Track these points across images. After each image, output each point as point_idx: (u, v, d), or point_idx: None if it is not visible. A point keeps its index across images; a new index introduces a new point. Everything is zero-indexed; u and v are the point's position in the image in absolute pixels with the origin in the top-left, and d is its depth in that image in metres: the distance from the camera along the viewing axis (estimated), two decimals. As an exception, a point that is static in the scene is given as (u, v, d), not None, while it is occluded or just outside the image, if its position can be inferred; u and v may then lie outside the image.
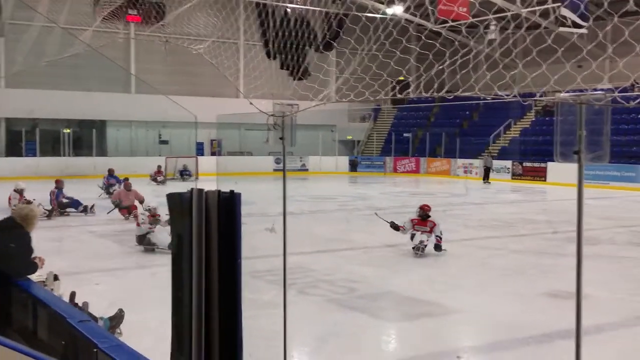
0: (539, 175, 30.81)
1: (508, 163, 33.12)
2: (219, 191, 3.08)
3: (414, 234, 11.39)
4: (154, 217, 11.38)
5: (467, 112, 41.31)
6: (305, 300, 8.18)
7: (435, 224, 11.37)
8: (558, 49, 4.00)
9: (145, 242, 11.40)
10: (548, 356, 6.13)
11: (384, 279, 9.50)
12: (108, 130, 35.80)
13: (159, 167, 28.23)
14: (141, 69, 34.26)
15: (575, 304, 3.37)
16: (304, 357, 6.19)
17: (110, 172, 22.15)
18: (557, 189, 26.09)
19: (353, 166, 39.17)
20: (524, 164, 32.13)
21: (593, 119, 2.94)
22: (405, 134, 40.21)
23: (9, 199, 15.31)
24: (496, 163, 34.04)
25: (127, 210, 15.44)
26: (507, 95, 4.10)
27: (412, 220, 11.48)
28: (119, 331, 6.05)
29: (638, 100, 3.12)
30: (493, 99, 3.72)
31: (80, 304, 5.99)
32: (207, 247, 3.17)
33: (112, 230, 14.21)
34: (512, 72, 4.49)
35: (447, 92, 4.91)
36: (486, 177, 31.18)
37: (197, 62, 35.34)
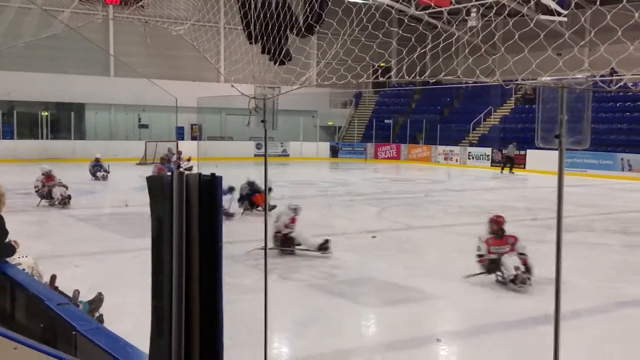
0: (519, 162, 31.04)
1: (488, 150, 33.34)
2: (200, 174, 3.04)
3: (494, 261, 8.39)
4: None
5: (448, 99, 41.43)
6: (286, 285, 8.18)
7: (516, 239, 8.68)
8: (540, 33, 4.00)
9: (288, 243, 10.13)
10: (527, 341, 6.20)
11: (364, 265, 9.53)
12: (86, 113, 35.39)
13: (179, 152, 27.32)
14: (120, 52, 33.87)
15: (554, 289, 3.39)
16: (285, 342, 6.20)
17: (97, 160, 22.06)
18: (537, 176, 26.33)
19: (334, 152, 39.18)
20: (504, 151, 32.35)
21: (573, 105, 2.94)
22: (386, 121, 40.29)
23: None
24: (476, 150, 34.25)
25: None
26: (488, 80, 4.09)
27: (485, 242, 8.64)
28: (98, 314, 6.01)
29: (618, 85, 3.13)
30: (474, 83, 3.73)
31: (60, 288, 5.93)
32: (187, 231, 3.13)
33: (94, 214, 14.10)
34: (493, 57, 4.48)
35: (428, 76, 4.89)
36: (510, 167, 29.56)
37: (177, 45, 35.00)
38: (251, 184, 14.27)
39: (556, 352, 3.38)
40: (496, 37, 4.68)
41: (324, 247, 9.86)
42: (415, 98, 43.50)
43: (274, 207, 13.61)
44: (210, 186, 3.03)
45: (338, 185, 22.74)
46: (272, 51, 5.64)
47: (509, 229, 12.63)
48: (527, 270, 8.04)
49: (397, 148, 38.69)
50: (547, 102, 3.07)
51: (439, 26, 5.80)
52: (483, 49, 4.57)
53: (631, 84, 33.32)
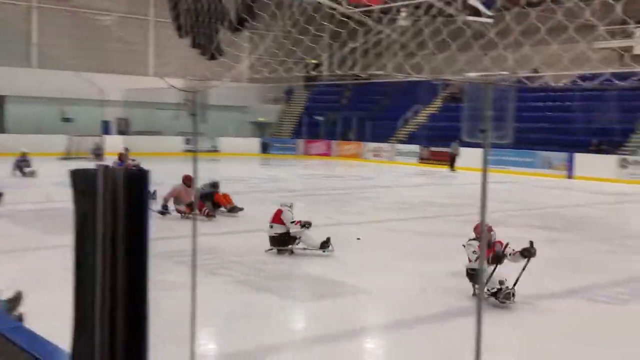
0: (445, 159, 31.79)
1: (416, 147, 33.99)
2: (127, 168, 2.99)
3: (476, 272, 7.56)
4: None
5: (378, 97, 42.01)
6: (215, 281, 8.12)
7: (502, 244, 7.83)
8: (467, 33, 4.11)
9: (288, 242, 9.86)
10: (449, 333, 6.38)
11: (294, 261, 9.56)
12: (8, 106, 33.98)
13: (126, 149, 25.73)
14: (44, 43, 32.69)
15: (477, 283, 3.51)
16: (213, 338, 6.16)
17: (24, 154, 21.10)
18: (462, 173, 27.05)
19: (264, 148, 39.07)
20: (431, 149, 33.07)
21: (498, 101, 3.06)
22: (317, 117, 40.47)
23: None
24: (404, 147, 34.87)
25: (190, 208, 13.14)
26: (418, 76, 4.19)
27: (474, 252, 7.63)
28: (17, 313, 5.80)
29: (540, 82, 3.28)
30: (405, 78, 3.81)
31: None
32: (113, 226, 3.06)
33: (15, 210, 13.57)
34: (423, 53, 4.58)
35: (359, 72, 4.98)
36: (452, 165, 29.84)
37: (105, 37, 34.07)
38: (214, 184, 13.78)
39: (478, 344, 3.50)
40: (423, 37, 4.78)
41: (325, 245, 9.73)
42: (346, 95, 43.88)
43: (241, 209, 13.44)
44: (138, 181, 2.98)
45: (269, 182, 22.71)
46: (203, 45, 5.58)
47: (433, 224, 12.95)
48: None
49: (328, 144, 38.95)
50: (473, 98, 3.18)
51: (370, 24, 5.89)
52: (413, 49, 4.66)
53: (553, 83, 34.65)
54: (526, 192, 21.47)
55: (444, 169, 29.60)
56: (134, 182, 2.96)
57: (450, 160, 29.88)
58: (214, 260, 9.23)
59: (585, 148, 27.84)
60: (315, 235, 9.79)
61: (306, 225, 9.74)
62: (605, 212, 17.21)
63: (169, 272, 8.45)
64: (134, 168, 17.15)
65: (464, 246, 7.81)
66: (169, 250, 9.56)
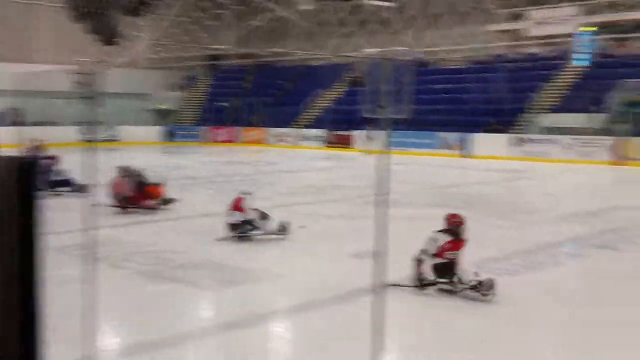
0: (349, 143, 32.29)
1: (320, 131, 34.29)
2: (19, 157, 2.87)
3: (445, 266, 7.13)
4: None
5: (282, 82, 41.98)
6: (117, 273, 7.92)
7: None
8: (370, 18, 4.18)
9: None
10: (354, 311, 6.52)
11: (199, 248, 9.47)
12: None
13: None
14: None
15: (376, 262, 3.61)
16: (114, 331, 6.02)
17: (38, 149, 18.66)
18: (365, 155, 27.53)
19: (168, 136, 38.22)
20: (335, 133, 33.46)
21: (396, 78, 3.15)
22: (220, 103, 39.99)
23: None
24: (309, 132, 35.09)
25: (131, 201, 12.60)
26: (322, 53, 4.22)
27: (442, 245, 7.22)
28: None
29: (438, 57, 3.39)
30: (307, 56, 3.83)
31: None
32: (2, 218, 2.94)
33: None
34: (324, 30, 4.61)
35: (262, 58, 4.96)
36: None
37: (-11, 22, 32.05)
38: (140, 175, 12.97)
39: (379, 319, 3.62)
40: (326, 15, 4.82)
41: (283, 230, 9.97)
42: (249, 80, 43.57)
43: (171, 200, 12.87)
44: (30, 171, 2.85)
45: (173, 170, 22.27)
46: (100, 31, 5.40)
47: (338, 207, 13.14)
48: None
49: (232, 131, 38.62)
50: (372, 77, 3.25)
51: (272, 7, 5.87)
52: (316, 32, 4.69)
53: (452, 65, 35.82)
54: (426, 172, 22.15)
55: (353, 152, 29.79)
56: (27, 172, 2.84)
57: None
58: (116, 252, 9.00)
59: (480, 128, 29.02)
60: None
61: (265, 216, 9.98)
62: (500, 189, 18.05)
63: (69, 265, 8.16)
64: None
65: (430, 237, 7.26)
66: (71, 243, 9.23)
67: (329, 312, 6.58)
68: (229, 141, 38.02)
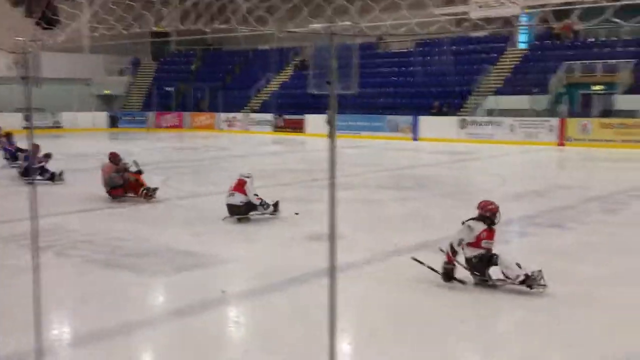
0: (298, 127, 32.25)
1: (269, 116, 34.13)
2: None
3: (482, 259, 6.68)
4: None
5: (230, 66, 41.55)
6: (64, 262, 7.73)
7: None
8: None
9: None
10: (309, 293, 6.53)
11: (150, 235, 9.31)
12: None
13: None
14: None
15: (329, 244, 3.60)
16: (64, 321, 5.87)
17: (8, 137, 18.06)
18: (315, 139, 27.56)
19: (113, 122, 37.41)
20: (285, 117, 33.35)
21: (342, 54, 3.13)
22: (167, 88, 39.34)
23: None
24: (258, 116, 34.87)
25: (123, 189, 12.26)
26: (263, 29, 4.15)
27: (479, 235, 6.73)
28: None
29: (383, 32, 3.38)
30: (252, 30, 3.75)
31: None
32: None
33: None
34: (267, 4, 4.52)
35: (209, 44, 4.85)
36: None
37: None
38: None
39: (333, 301, 3.62)
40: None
41: (276, 208, 10.34)
42: (196, 65, 42.96)
43: (155, 189, 12.37)
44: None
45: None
46: (38, 14, 5.21)
47: (290, 190, 13.11)
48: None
49: (180, 116, 38.07)
50: (318, 53, 3.21)
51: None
52: (260, 17, 4.61)
53: (398, 49, 36.05)
54: (376, 155, 22.31)
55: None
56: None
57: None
58: (63, 240, 8.77)
59: (428, 111, 29.38)
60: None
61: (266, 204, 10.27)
62: (449, 170, 18.31)
63: (12, 256, 7.94)
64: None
65: (463, 224, 6.77)
66: (13, 233, 8.98)
67: (287, 295, 6.57)
68: (177, 126, 37.48)
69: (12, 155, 17.20)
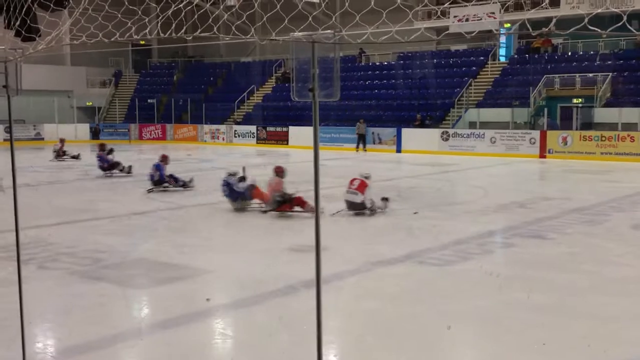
0: (282, 139, 32.27)
1: (253, 128, 34.13)
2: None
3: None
4: None
5: (212, 79, 41.55)
6: (45, 274, 7.65)
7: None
8: (296, 13, 4.17)
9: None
10: (293, 304, 6.53)
11: (132, 247, 9.27)
12: None
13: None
14: None
15: (315, 255, 3.61)
16: (47, 334, 5.81)
17: (102, 147, 19.03)
18: (298, 151, 27.58)
19: (95, 134, 37.16)
20: (268, 129, 33.38)
21: (323, 61, 3.16)
22: (149, 100, 39.21)
23: None
24: (241, 128, 34.85)
25: (290, 205, 11.79)
26: (245, 38, 4.17)
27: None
28: None
29: (364, 38, 3.42)
30: (233, 39, 3.77)
31: None
32: None
33: None
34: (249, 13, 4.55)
35: (191, 56, 4.86)
36: (363, 145, 29.14)
37: None
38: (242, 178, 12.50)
39: (319, 312, 3.63)
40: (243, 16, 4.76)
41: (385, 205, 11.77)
42: (178, 77, 42.92)
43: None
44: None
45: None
46: (18, 26, 5.18)
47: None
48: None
49: (163, 128, 37.94)
50: (300, 61, 3.25)
51: (196, 2, 5.75)
52: (241, 29, 4.64)
53: (378, 62, 36.30)
54: (360, 167, 22.33)
55: (361, 151, 29.04)
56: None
57: (358, 142, 29.27)
58: (43, 252, 8.69)
59: (411, 123, 29.56)
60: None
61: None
62: (432, 181, 18.40)
63: (-7, 269, 7.85)
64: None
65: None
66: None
67: (271, 306, 6.55)
68: (160, 139, 37.34)
69: (107, 164, 18.62)
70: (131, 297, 6.92)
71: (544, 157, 25.07)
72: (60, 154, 23.55)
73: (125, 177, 18.00)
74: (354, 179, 11.63)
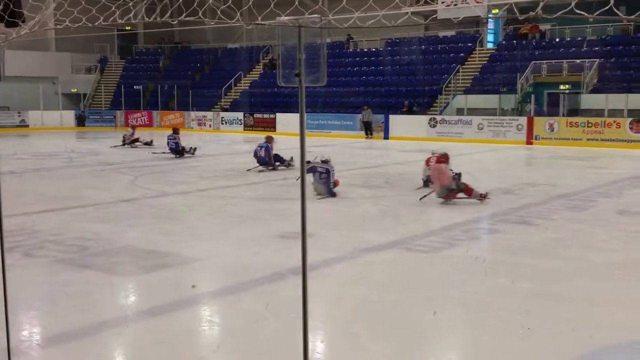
0: (269, 125, 32.16)
1: (240, 114, 34.01)
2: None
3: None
4: None
5: (199, 65, 41.29)
6: (31, 262, 7.60)
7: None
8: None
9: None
10: (280, 291, 6.53)
11: (119, 235, 9.22)
12: None
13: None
14: None
15: (300, 242, 3.60)
16: (32, 322, 5.78)
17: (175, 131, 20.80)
18: (286, 138, 27.51)
19: (80, 121, 36.89)
20: (255, 116, 33.26)
21: (310, 45, 3.13)
22: (135, 87, 38.92)
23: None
24: (228, 115, 34.70)
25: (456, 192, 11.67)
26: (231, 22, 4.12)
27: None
28: None
29: (351, 22, 3.39)
30: (219, 23, 3.73)
31: None
32: None
33: None
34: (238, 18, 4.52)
35: (177, 42, 4.81)
36: (370, 132, 28.91)
37: None
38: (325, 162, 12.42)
39: (305, 298, 3.63)
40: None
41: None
42: (164, 63, 42.60)
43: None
44: None
45: (87, 155, 21.56)
46: (1, 11, 5.10)
47: (261, 189, 13.14)
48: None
49: (149, 115, 37.71)
50: (287, 47, 3.22)
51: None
52: (227, 15, 4.59)
53: (366, 49, 36.20)
54: (347, 154, 22.34)
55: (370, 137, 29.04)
56: None
57: (365, 129, 29.18)
58: (29, 240, 8.63)
59: (398, 110, 29.56)
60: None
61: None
62: (418, 168, 18.43)
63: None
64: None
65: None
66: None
67: (259, 292, 6.55)
68: (146, 125, 37.11)
69: (176, 149, 20.09)
70: (118, 284, 6.89)
71: (531, 143, 25.17)
72: (131, 140, 24.38)
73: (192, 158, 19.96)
74: (430, 158, 12.92)
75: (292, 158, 16.73)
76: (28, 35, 4.90)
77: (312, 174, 12.13)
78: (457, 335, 5.59)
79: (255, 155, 16.47)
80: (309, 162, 12.40)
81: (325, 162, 12.37)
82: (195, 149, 20.71)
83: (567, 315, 5.82)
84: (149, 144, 24.06)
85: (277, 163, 16.53)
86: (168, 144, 20.49)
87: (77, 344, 5.24)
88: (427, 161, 13.02)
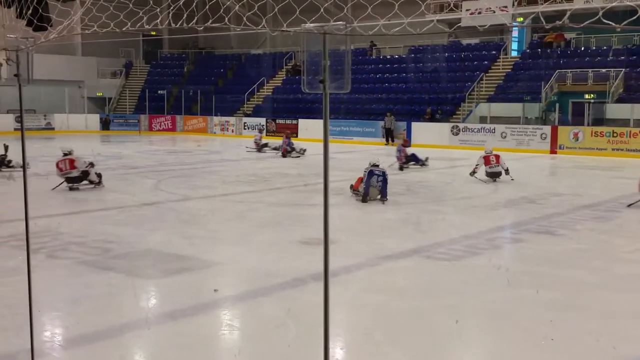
0: (291, 131, 32.20)
1: (262, 120, 34.11)
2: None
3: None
4: None
5: (222, 70, 41.54)
6: (54, 264, 7.70)
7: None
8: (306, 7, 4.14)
9: None
10: (301, 297, 6.53)
11: (141, 238, 9.29)
12: None
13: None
14: None
15: (323, 248, 3.59)
16: (56, 322, 5.84)
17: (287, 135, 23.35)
18: (308, 144, 27.54)
19: (105, 124, 37.30)
20: (277, 121, 33.34)
21: (334, 52, 3.14)
22: (159, 91, 39.27)
23: None
24: (251, 120, 34.82)
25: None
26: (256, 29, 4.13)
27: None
28: None
29: (376, 29, 3.39)
30: (244, 30, 3.75)
31: None
32: None
33: None
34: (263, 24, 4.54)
35: (201, 48, 4.85)
36: (392, 139, 28.65)
37: None
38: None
39: (326, 305, 3.62)
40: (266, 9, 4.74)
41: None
42: (188, 69, 42.94)
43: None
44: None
45: (111, 159, 21.77)
46: (30, 15, 5.19)
47: (283, 195, 13.15)
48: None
49: (173, 119, 38.00)
50: (312, 53, 3.23)
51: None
52: (251, 22, 4.62)
53: (389, 56, 36.15)
54: (368, 161, 22.29)
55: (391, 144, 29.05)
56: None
57: (387, 135, 29.19)
58: (53, 242, 8.74)
59: (421, 117, 29.46)
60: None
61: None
62: (441, 176, 18.35)
63: (2, 257, 7.91)
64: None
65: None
66: (2, 234, 8.95)
67: (279, 298, 6.55)
68: (170, 130, 37.41)
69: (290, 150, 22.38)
70: (139, 287, 6.94)
71: (555, 152, 24.92)
72: (261, 145, 25.28)
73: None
74: (488, 156, 15.40)
75: (427, 158, 18.04)
76: (55, 39, 4.97)
77: (368, 177, 12.28)
78: (478, 345, 5.55)
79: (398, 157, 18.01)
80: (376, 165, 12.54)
81: (375, 165, 12.47)
82: (305, 150, 22.59)
83: (590, 326, 5.75)
84: (277, 149, 24.39)
85: (412, 162, 17.65)
86: (284, 144, 22.91)
87: (98, 345, 5.28)
88: (487, 160, 15.39)
